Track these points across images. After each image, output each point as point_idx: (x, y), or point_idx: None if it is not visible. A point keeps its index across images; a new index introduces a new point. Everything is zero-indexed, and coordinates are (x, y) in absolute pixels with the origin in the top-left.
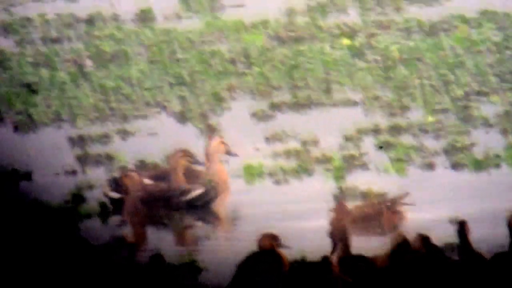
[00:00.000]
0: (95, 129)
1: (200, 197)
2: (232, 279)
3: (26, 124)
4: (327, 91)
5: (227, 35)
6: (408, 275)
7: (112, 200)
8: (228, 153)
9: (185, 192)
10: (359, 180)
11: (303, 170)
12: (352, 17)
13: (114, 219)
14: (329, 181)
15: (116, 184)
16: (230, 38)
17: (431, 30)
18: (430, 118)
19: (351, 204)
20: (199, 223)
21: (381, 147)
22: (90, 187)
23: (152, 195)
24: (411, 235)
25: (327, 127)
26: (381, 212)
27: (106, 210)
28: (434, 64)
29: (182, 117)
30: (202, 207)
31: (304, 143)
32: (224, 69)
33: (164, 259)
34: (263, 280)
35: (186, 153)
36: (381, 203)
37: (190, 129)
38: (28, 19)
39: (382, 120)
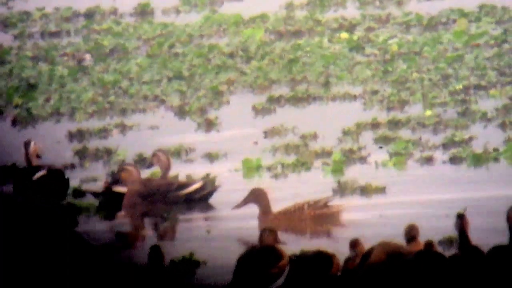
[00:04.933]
0: (94, 124)
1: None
2: (233, 273)
3: (25, 119)
4: (326, 85)
5: (225, 29)
6: (407, 271)
7: (116, 194)
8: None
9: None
10: (357, 174)
11: (301, 164)
12: (351, 11)
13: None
14: (328, 175)
15: (114, 178)
16: (228, 33)
17: (430, 24)
18: (429, 112)
19: (279, 208)
20: (197, 217)
21: (381, 147)
22: (89, 181)
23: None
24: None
25: (326, 121)
26: (304, 216)
27: (105, 204)
28: (433, 58)
29: (180, 111)
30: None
31: (303, 137)
32: (223, 64)
33: (161, 251)
34: (263, 275)
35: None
36: (304, 207)
37: (189, 123)
38: (27, 13)
39: (381, 114)
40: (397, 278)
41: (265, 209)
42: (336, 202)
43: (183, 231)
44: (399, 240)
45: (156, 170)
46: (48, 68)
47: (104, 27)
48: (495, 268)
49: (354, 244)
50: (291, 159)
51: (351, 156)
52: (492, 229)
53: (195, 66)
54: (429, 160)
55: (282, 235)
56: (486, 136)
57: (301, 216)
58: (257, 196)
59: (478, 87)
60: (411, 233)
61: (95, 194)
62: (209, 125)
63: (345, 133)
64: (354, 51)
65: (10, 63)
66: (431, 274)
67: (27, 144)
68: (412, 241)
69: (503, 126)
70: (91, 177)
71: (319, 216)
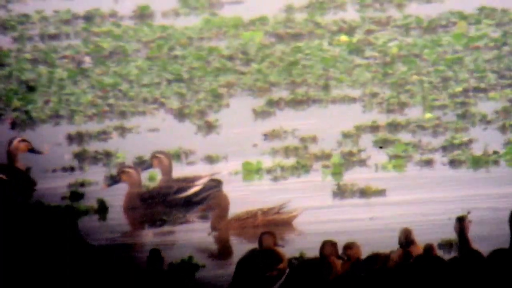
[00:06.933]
0: (93, 126)
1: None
2: (233, 277)
3: (24, 121)
4: (326, 87)
5: (225, 32)
6: (407, 274)
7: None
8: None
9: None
10: (357, 177)
11: (301, 167)
12: (351, 13)
13: (112, 216)
14: (327, 178)
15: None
16: (228, 35)
17: (430, 26)
18: (428, 115)
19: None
20: (196, 220)
21: (381, 147)
22: (88, 184)
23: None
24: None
25: (326, 124)
26: (257, 222)
27: (104, 207)
28: (433, 61)
29: (180, 114)
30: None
31: (303, 140)
32: (222, 66)
33: (161, 254)
34: (262, 278)
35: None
36: (257, 213)
37: (188, 126)
38: (26, 16)
39: (380, 117)
40: (397, 282)
41: (221, 214)
42: (290, 208)
43: (183, 233)
44: (394, 243)
45: (154, 172)
46: (48, 70)
47: (104, 30)
48: (495, 271)
49: (348, 247)
50: (290, 161)
51: (351, 159)
52: (492, 232)
53: (195, 68)
54: (428, 163)
55: (235, 241)
56: (485, 139)
57: (254, 223)
58: (220, 201)
59: (477, 89)
60: (407, 238)
61: None
62: (208, 127)
63: (345, 135)
64: (353, 53)
65: (9, 65)
66: (431, 278)
67: (10, 142)
68: (411, 245)
69: (503, 128)
70: (90, 180)
71: (272, 223)
